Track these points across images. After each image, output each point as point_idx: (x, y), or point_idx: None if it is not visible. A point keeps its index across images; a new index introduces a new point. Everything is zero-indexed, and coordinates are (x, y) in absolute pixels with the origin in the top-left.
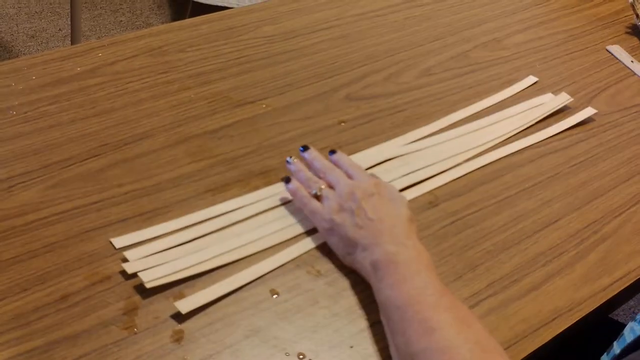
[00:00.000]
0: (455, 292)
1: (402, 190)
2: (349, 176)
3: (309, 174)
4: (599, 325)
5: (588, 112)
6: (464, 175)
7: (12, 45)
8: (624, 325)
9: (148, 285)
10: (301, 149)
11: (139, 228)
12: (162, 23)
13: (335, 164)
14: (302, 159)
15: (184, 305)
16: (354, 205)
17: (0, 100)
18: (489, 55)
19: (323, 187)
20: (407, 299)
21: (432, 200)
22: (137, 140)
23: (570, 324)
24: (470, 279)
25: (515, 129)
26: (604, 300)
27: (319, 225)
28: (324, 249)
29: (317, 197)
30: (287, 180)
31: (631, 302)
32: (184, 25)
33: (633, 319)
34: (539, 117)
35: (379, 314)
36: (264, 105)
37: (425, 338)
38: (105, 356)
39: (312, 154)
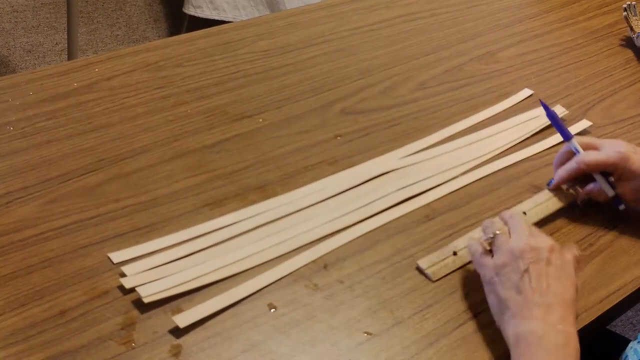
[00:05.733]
0: (450, 306)
1: (399, 203)
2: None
3: (491, 220)
4: (598, 337)
5: (583, 124)
6: (460, 188)
7: (9, 60)
8: (622, 338)
9: (146, 300)
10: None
11: (136, 243)
12: (159, 37)
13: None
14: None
15: (182, 319)
16: (522, 266)
17: None
18: (484, 68)
19: (498, 232)
20: None
21: (428, 213)
22: (134, 155)
23: None
24: (468, 292)
25: (511, 142)
26: (601, 312)
27: (482, 275)
28: (321, 263)
29: (490, 242)
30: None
31: (629, 313)
32: (180, 40)
33: (635, 338)
34: (534, 129)
35: (377, 327)
36: (260, 120)
37: None
38: None
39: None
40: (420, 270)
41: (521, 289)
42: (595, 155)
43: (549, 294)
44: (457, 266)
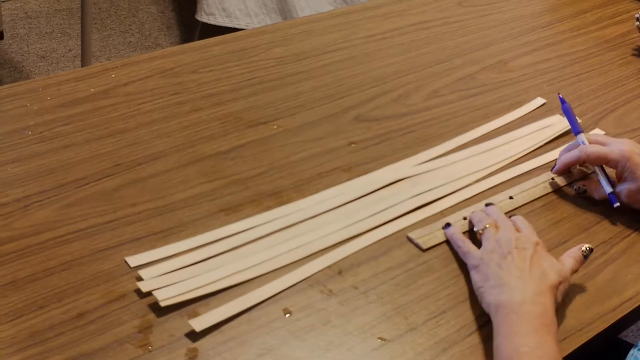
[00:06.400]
0: (463, 313)
1: (413, 210)
2: (517, 229)
3: (481, 214)
4: (609, 345)
5: (596, 133)
6: (473, 196)
7: (23, 66)
8: (629, 345)
9: (163, 304)
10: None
11: (153, 247)
12: (171, 44)
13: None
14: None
15: (198, 323)
16: (507, 251)
17: (16, 121)
18: (496, 77)
19: (488, 225)
20: (514, 354)
21: (442, 221)
22: (151, 160)
23: (580, 344)
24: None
25: (524, 150)
26: (613, 321)
27: (469, 263)
28: (336, 269)
29: (478, 235)
30: (447, 225)
31: None
32: (195, 47)
33: (636, 345)
34: (547, 138)
35: (391, 333)
36: (275, 126)
37: None
38: None
39: (493, 208)
40: (411, 240)
41: (503, 266)
42: (598, 148)
43: (529, 272)
44: (446, 238)
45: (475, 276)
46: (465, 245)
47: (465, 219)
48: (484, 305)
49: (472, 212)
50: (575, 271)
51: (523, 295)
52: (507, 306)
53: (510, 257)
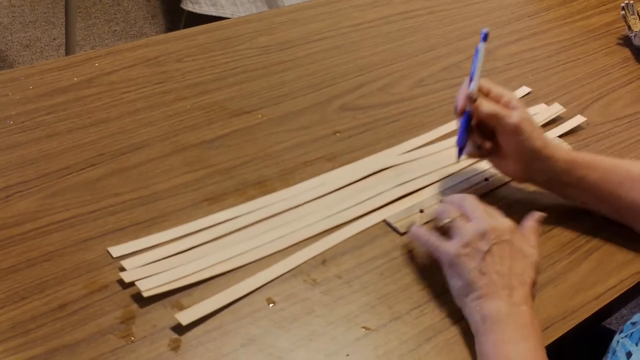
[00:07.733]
0: (448, 302)
1: (397, 200)
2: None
3: (443, 205)
4: (593, 333)
5: (578, 120)
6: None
7: (6, 55)
8: (612, 331)
9: (145, 294)
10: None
11: (136, 237)
12: (157, 33)
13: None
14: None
15: (185, 317)
16: (485, 248)
17: None
18: (482, 66)
19: (454, 216)
20: None
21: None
22: (134, 149)
23: (564, 332)
24: None
25: None
26: (597, 309)
27: (441, 258)
28: (320, 258)
29: (446, 229)
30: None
31: (624, 311)
32: (180, 36)
33: (621, 331)
34: None
35: (375, 323)
36: (259, 115)
37: None
38: None
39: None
40: (389, 224)
41: (484, 271)
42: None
43: (511, 275)
44: (424, 221)
45: (453, 280)
46: (431, 240)
47: (441, 202)
48: (466, 313)
49: (440, 200)
50: None
51: (509, 306)
52: (494, 318)
53: (489, 258)
